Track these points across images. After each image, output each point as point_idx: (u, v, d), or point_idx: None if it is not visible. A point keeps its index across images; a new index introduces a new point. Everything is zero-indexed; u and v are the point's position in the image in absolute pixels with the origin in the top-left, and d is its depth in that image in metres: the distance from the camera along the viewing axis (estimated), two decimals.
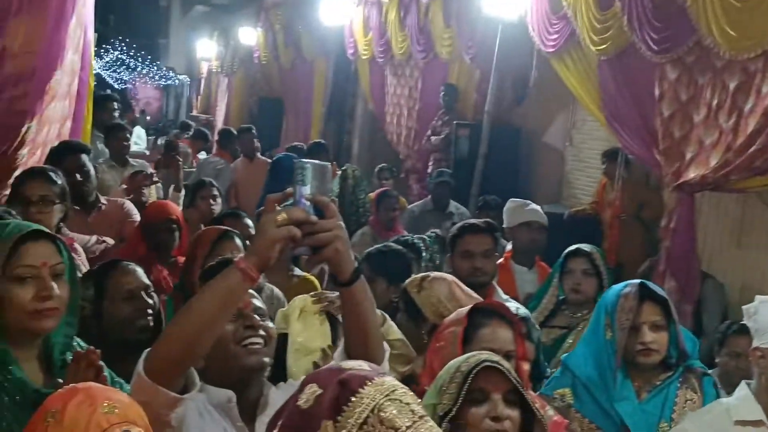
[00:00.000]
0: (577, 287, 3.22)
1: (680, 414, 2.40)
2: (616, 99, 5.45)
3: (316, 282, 3.90)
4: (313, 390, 1.25)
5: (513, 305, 2.66)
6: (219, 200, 5.05)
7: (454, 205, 6.35)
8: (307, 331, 2.21)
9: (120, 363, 2.27)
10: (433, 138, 8.07)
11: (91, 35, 4.43)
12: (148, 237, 3.66)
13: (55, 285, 1.66)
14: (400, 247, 3.38)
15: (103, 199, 4.12)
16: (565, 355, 2.58)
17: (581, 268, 3.23)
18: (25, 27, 3.26)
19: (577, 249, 3.29)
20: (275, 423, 1.29)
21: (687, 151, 4.83)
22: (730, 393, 2.45)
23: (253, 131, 8.32)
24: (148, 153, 15.47)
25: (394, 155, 9.82)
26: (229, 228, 3.15)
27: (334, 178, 7.15)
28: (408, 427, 1.19)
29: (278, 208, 1.50)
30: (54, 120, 3.69)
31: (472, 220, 3.38)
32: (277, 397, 1.79)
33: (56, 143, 3.85)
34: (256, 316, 1.83)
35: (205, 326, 1.53)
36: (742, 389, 2.32)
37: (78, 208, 3.90)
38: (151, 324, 2.37)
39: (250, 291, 1.89)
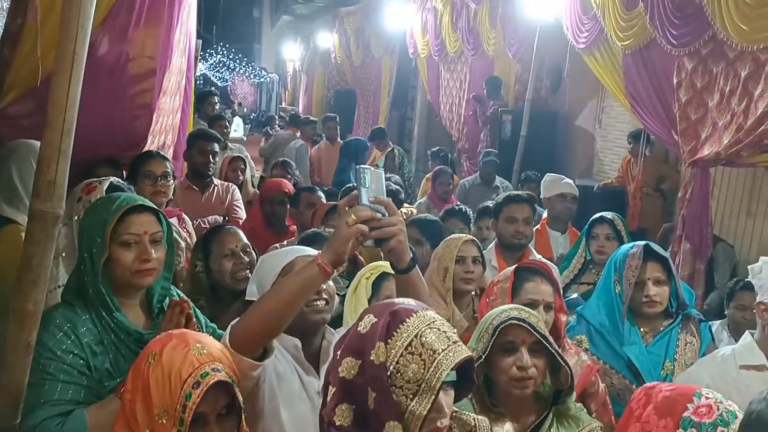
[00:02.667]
0: (601, 249, 3.19)
1: (682, 355, 2.38)
2: (638, 87, 5.30)
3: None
4: (369, 318, 1.32)
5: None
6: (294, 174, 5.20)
7: (499, 180, 6.31)
8: (357, 300, 2.22)
9: (227, 307, 2.44)
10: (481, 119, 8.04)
11: (194, 42, 4.53)
12: (264, 208, 3.79)
13: (153, 249, 1.74)
14: (436, 218, 3.41)
15: (216, 182, 4.22)
16: (580, 306, 2.57)
17: (604, 233, 3.19)
18: (143, 36, 3.34)
19: (601, 216, 3.25)
20: (339, 345, 1.36)
21: (702, 131, 4.67)
22: (737, 340, 2.41)
23: (337, 119, 8.39)
24: (245, 139, 15.87)
25: (448, 137, 9.79)
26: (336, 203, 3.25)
27: (381, 158, 7.24)
28: (443, 350, 1.25)
29: (347, 210, 1.50)
30: (166, 112, 3.80)
31: (516, 192, 3.38)
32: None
33: (170, 132, 3.99)
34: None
35: (285, 310, 1.55)
36: (746, 338, 2.27)
37: (196, 188, 4.06)
38: (249, 275, 2.43)
39: (313, 254, 1.98)
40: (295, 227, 3.87)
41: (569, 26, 6.04)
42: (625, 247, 2.45)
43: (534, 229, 4.10)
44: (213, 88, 13.02)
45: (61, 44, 1.32)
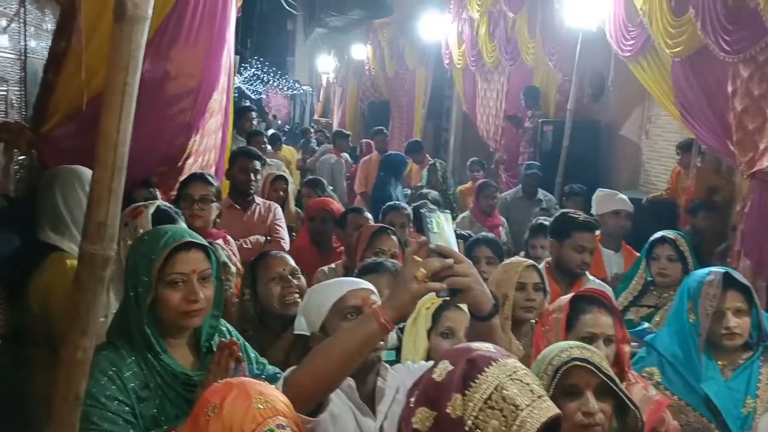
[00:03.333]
0: (662, 272, 3.00)
1: (764, 391, 2.19)
2: (689, 96, 5.09)
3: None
4: (445, 366, 1.22)
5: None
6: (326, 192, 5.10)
7: (541, 193, 6.14)
8: (416, 332, 2.09)
9: (276, 336, 2.33)
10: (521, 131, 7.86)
11: (233, 58, 4.51)
12: (309, 226, 3.71)
13: (201, 289, 1.66)
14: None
15: (258, 199, 4.15)
16: (649, 336, 2.39)
17: (666, 254, 3.00)
18: (184, 54, 3.28)
19: (663, 237, 3.06)
20: (413, 392, 1.27)
21: (761, 141, 4.43)
22: None
23: (385, 132, 8.38)
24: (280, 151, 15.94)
25: (484, 148, 9.63)
26: (385, 225, 3.15)
27: (422, 171, 7.11)
28: (527, 405, 1.15)
29: (417, 259, 1.35)
30: (211, 132, 3.76)
31: (587, 217, 3.15)
32: (392, 380, 1.75)
33: (213, 150, 3.95)
34: None
35: (341, 369, 1.44)
36: None
37: (238, 206, 3.99)
38: (298, 300, 2.34)
39: (367, 287, 1.83)
40: (342, 247, 3.78)
41: (613, 34, 5.86)
42: (700, 273, 2.28)
43: None
44: (249, 103, 13.07)
45: (111, 75, 1.23)
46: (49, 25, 3.84)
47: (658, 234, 3.08)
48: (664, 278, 2.99)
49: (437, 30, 9.92)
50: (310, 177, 5.61)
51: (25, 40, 3.39)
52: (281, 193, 4.84)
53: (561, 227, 3.05)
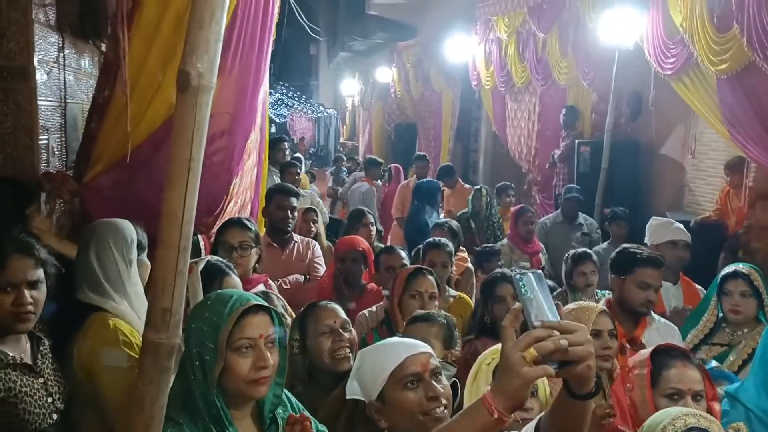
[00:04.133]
0: (736, 308, 2.82)
1: None
2: (738, 113, 4.90)
3: (470, 300, 3.71)
4: None
5: None
6: (374, 227, 4.95)
7: (582, 217, 5.95)
8: (477, 390, 1.95)
9: (326, 392, 2.22)
10: (555, 151, 7.68)
11: (267, 92, 4.44)
12: (338, 266, 3.61)
13: (269, 355, 1.58)
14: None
15: (296, 237, 4.06)
16: (731, 387, 2.22)
17: (739, 290, 2.82)
18: (220, 92, 3.19)
19: (735, 271, 2.88)
20: None
21: None
22: None
23: (427, 158, 8.22)
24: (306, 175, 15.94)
25: (516, 170, 9.47)
26: (422, 266, 3.04)
27: (469, 196, 6.94)
28: None
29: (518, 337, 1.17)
30: (248, 171, 3.69)
31: (653, 253, 2.98)
32: None
33: (250, 189, 3.88)
34: (435, 384, 1.67)
35: None
36: None
37: (276, 245, 3.90)
38: (350, 354, 2.26)
39: (426, 351, 1.73)
40: (373, 285, 3.66)
41: (652, 52, 5.70)
42: None
43: None
44: (279, 131, 13.08)
45: (175, 149, 1.14)
46: (88, 68, 3.83)
47: (731, 268, 2.90)
48: (737, 315, 2.81)
49: (463, 51, 9.85)
50: (360, 208, 5.38)
51: (65, 87, 3.37)
52: (311, 224, 4.75)
53: (623, 262, 2.88)
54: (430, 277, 2.88)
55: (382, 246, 4.47)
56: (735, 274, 2.84)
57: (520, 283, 1.18)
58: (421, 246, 3.91)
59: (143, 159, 2.67)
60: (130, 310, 2.12)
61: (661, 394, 1.85)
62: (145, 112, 2.59)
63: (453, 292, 3.71)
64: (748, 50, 4.55)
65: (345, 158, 12.31)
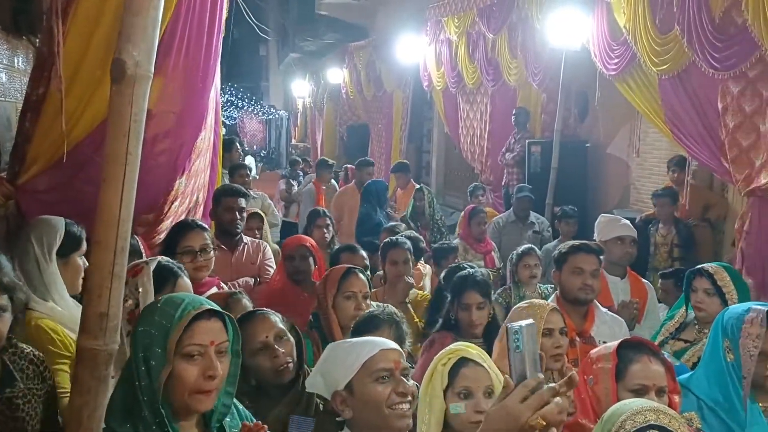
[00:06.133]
0: (699, 306, 2.87)
1: None
2: (679, 113, 5.05)
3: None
4: None
5: None
6: (331, 229, 4.86)
7: (534, 216, 6.05)
8: (432, 392, 1.92)
9: (276, 402, 2.13)
10: (507, 154, 7.76)
11: (219, 92, 4.32)
12: (287, 266, 3.53)
13: (218, 364, 1.50)
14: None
15: (245, 239, 3.97)
16: (684, 377, 2.26)
17: (703, 288, 2.86)
18: (165, 90, 3.08)
19: (700, 269, 2.92)
20: None
21: (756, 158, 4.40)
22: None
23: (372, 163, 7.72)
24: (257, 177, 15.70)
25: (468, 171, 9.55)
26: (352, 266, 2.97)
27: (405, 196, 6.93)
28: None
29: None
30: (198, 172, 3.58)
31: (584, 241, 3.07)
32: None
33: (202, 190, 3.77)
34: (405, 381, 1.67)
35: None
36: None
37: (225, 247, 3.80)
38: (290, 365, 2.12)
39: (398, 349, 1.73)
40: None
41: (597, 53, 5.83)
42: (737, 309, 2.15)
43: None
44: (228, 133, 12.81)
45: (111, 143, 1.07)
46: (21, 65, 3.65)
47: (698, 266, 2.96)
48: (700, 312, 2.86)
49: (414, 52, 9.87)
50: (317, 208, 5.19)
51: None
52: (255, 231, 4.65)
53: (558, 256, 3.00)
54: (362, 276, 2.84)
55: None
56: (700, 272, 2.89)
57: (515, 336, 1.17)
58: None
59: (83, 159, 2.55)
60: (57, 308, 2.01)
61: (626, 389, 1.86)
62: (84, 110, 2.47)
63: (415, 290, 3.71)
64: (688, 51, 4.69)
65: (302, 161, 12.07)
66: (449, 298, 2.92)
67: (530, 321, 1.20)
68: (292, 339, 2.19)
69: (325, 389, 1.74)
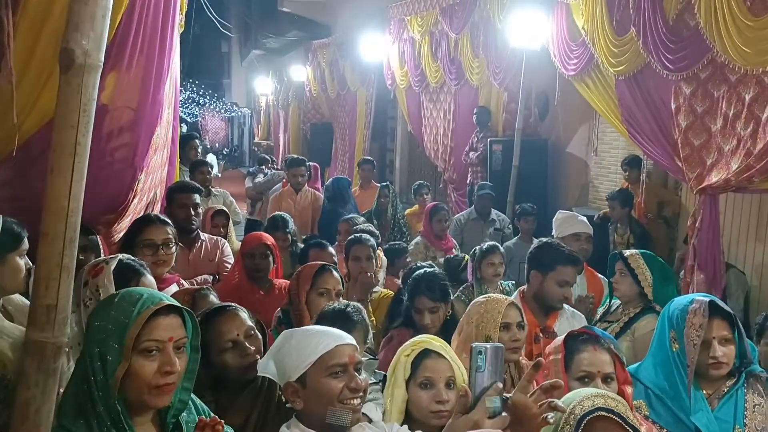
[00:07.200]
0: (615, 286, 3.09)
1: (751, 419, 2.16)
2: (635, 113, 5.18)
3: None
4: None
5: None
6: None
7: (495, 213, 6.14)
8: (395, 382, 1.95)
9: (236, 396, 2.13)
10: (471, 153, 7.85)
11: (178, 87, 4.25)
12: (246, 263, 3.51)
13: (177, 360, 1.50)
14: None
15: (203, 236, 3.93)
16: (632, 367, 2.34)
17: (618, 269, 3.07)
18: (121, 85, 3.03)
19: (617, 253, 3.13)
20: None
21: (707, 157, 4.55)
22: None
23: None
24: (219, 175, 15.51)
25: (432, 169, 9.63)
26: (326, 263, 2.98)
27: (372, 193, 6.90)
28: None
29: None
30: (156, 168, 3.53)
31: (574, 252, 3.07)
32: None
33: (160, 186, 3.73)
34: (358, 377, 1.69)
35: None
36: None
37: (182, 245, 3.75)
38: (257, 360, 2.09)
39: (353, 343, 1.74)
40: (281, 281, 3.59)
41: (557, 53, 5.94)
42: (682, 300, 2.23)
43: None
44: (190, 130, 12.62)
45: (59, 133, 1.06)
46: None
47: (616, 251, 3.11)
48: (615, 292, 3.06)
49: (378, 50, 9.90)
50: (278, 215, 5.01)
51: None
52: (221, 229, 4.61)
53: (545, 259, 2.94)
54: (336, 274, 2.86)
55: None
56: (614, 256, 3.10)
57: (479, 356, 1.19)
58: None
59: (35, 154, 2.49)
60: None
61: (573, 378, 1.92)
62: (35, 103, 2.41)
63: (378, 288, 3.73)
64: (643, 52, 4.82)
65: (270, 159, 11.89)
66: (406, 298, 2.95)
67: (499, 345, 1.23)
68: (259, 335, 2.18)
69: (277, 376, 1.75)
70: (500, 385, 1.21)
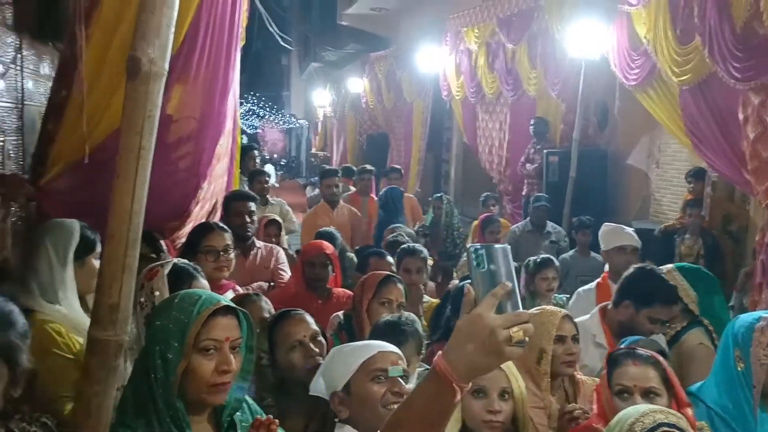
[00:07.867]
0: None
1: None
2: (700, 124, 5.01)
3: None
4: None
5: None
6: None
7: (550, 225, 6.01)
8: None
9: (300, 402, 2.16)
10: (527, 165, 7.74)
11: (238, 99, 4.37)
12: (306, 271, 3.55)
13: (233, 359, 1.51)
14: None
15: (258, 243, 3.99)
16: (694, 386, 2.24)
17: None
18: (186, 96, 3.13)
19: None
20: None
21: None
22: None
23: (372, 172, 7.39)
24: (277, 185, 15.81)
25: (487, 180, 9.53)
26: (392, 273, 3.00)
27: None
28: None
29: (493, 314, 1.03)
30: (218, 177, 3.62)
31: (672, 288, 2.85)
32: None
33: (220, 194, 3.82)
34: (401, 382, 1.70)
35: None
36: None
37: (238, 252, 3.83)
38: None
39: (396, 351, 1.76)
40: (340, 289, 3.61)
41: (617, 63, 5.81)
42: (747, 318, 2.13)
43: (596, 282, 3.81)
44: (249, 142, 12.91)
45: (124, 139, 1.10)
46: (47, 71, 3.73)
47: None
48: None
49: (434, 62, 9.92)
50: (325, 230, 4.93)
51: (23, 88, 3.27)
52: (273, 238, 4.66)
53: (645, 293, 2.77)
54: (400, 285, 2.85)
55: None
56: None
57: (475, 255, 1.06)
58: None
59: (104, 160, 2.59)
60: (64, 311, 2.03)
61: (613, 392, 1.90)
62: (105, 112, 2.52)
63: (427, 298, 3.71)
64: (709, 61, 4.65)
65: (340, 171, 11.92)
66: (450, 310, 2.93)
67: (505, 246, 1.10)
68: (323, 341, 2.28)
69: (325, 391, 1.77)
70: (509, 284, 1.08)
